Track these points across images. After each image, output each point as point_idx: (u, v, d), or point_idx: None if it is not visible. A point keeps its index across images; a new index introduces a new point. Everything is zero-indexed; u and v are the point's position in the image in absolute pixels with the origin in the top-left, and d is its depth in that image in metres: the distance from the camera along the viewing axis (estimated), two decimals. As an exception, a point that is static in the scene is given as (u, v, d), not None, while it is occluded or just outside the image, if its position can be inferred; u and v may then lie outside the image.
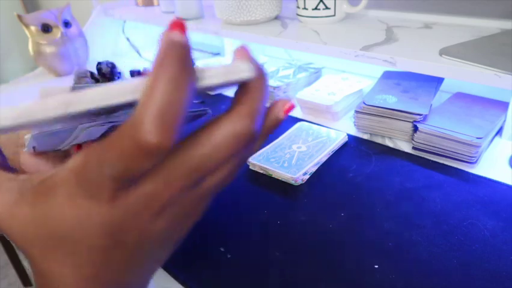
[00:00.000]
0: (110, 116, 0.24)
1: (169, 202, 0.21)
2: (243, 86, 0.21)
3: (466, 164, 0.51)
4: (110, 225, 0.21)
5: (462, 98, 0.62)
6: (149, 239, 0.22)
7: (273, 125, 0.24)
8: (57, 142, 0.29)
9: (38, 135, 0.27)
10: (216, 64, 0.21)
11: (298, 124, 0.64)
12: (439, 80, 0.64)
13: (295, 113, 0.71)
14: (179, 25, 0.18)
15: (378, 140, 0.60)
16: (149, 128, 0.17)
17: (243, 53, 0.22)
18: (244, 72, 0.20)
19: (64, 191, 0.21)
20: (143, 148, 0.17)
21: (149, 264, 0.25)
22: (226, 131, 0.20)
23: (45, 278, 0.23)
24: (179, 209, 0.22)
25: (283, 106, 0.23)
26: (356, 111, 0.61)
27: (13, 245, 1.04)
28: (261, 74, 0.21)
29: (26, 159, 0.29)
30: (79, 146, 0.30)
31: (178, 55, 0.17)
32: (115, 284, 0.23)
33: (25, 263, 1.20)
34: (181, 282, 0.39)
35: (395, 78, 0.67)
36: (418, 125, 0.54)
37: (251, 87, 0.21)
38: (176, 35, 0.18)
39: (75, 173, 0.20)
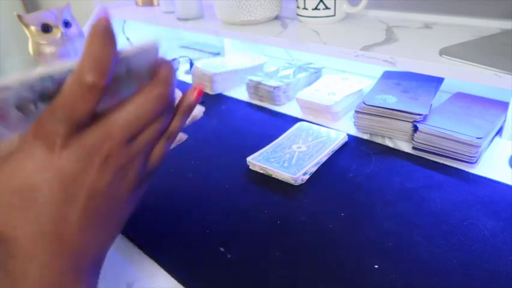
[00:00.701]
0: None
1: (110, 153, 0.26)
2: (156, 70, 0.28)
3: (466, 164, 0.51)
4: (63, 175, 0.25)
5: (462, 98, 0.62)
6: (98, 192, 0.27)
7: (188, 107, 0.31)
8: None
9: None
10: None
11: (298, 124, 0.64)
12: (439, 80, 0.64)
13: (295, 113, 0.71)
14: (104, 13, 0.25)
15: (378, 140, 0.60)
16: (88, 70, 0.23)
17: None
18: (151, 46, 0.27)
19: (25, 150, 0.25)
20: (84, 86, 0.23)
21: (103, 226, 0.28)
22: (147, 95, 0.27)
23: (9, 243, 0.25)
24: (118, 162, 0.27)
25: (193, 92, 0.31)
26: (356, 111, 0.61)
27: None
28: (166, 62, 0.29)
29: None
30: None
31: (104, 25, 0.25)
32: (73, 241, 0.26)
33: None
34: (181, 282, 0.39)
35: (395, 78, 0.67)
36: (418, 125, 0.54)
37: (163, 65, 0.28)
38: (102, 15, 0.25)
39: (32, 132, 0.25)
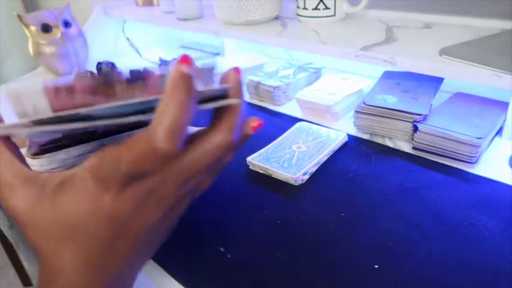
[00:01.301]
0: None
1: (164, 196, 0.26)
2: (225, 111, 0.27)
3: (466, 164, 0.51)
4: (116, 216, 0.25)
5: (462, 98, 0.62)
6: (146, 230, 0.27)
7: (243, 139, 0.30)
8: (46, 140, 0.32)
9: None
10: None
11: (298, 124, 0.64)
12: (439, 80, 0.64)
13: (295, 113, 0.71)
14: (187, 59, 0.24)
15: (378, 140, 0.60)
16: (162, 138, 0.22)
17: (233, 77, 0.28)
18: (233, 100, 0.26)
19: (80, 187, 0.25)
20: (157, 152, 0.23)
21: (142, 255, 0.30)
22: (211, 142, 0.26)
23: (54, 268, 0.26)
24: (171, 202, 0.27)
25: (253, 123, 0.30)
26: (356, 111, 0.61)
27: (10, 240, 1.04)
28: (240, 95, 0.27)
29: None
30: None
31: (185, 84, 0.23)
32: (113, 271, 0.27)
33: (25, 263, 1.19)
34: (181, 282, 0.39)
35: (395, 78, 0.67)
36: (418, 125, 0.54)
37: (232, 107, 0.27)
38: (184, 68, 0.23)
39: (91, 171, 0.25)
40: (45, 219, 0.26)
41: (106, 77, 0.28)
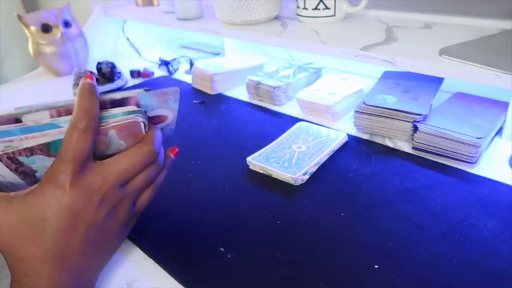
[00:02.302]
0: None
1: (106, 193, 0.34)
2: (146, 132, 0.38)
3: (466, 164, 0.51)
4: (69, 209, 0.32)
5: (462, 98, 0.62)
6: (95, 224, 0.34)
7: (168, 161, 0.42)
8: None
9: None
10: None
11: (298, 124, 0.64)
12: (439, 80, 0.64)
13: (295, 113, 0.71)
14: (90, 76, 0.35)
15: (378, 140, 0.60)
16: (80, 118, 0.32)
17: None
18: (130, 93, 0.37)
19: (41, 189, 0.32)
20: (80, 129, 0.32)
21: (97, 252, 0.36)
22: (139, 150, 0.36)
23: (22, 263, 0.32)
24: (112, 202, 0.35)
25: (171, 150, 0.42)
26: (356, 111, 0.61)
27: None
28: (154, 126, 0.39)
29: None
30: None
31: (88, 87, 0.34)
32: (74, 262, 0.33)
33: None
34: (181, 282, 0.39)
35: (395, 78, 0.67)
36: (418, 125, 0.54)
37: (149, 130, 0.38)
38: (87, 78, 0.35)
39: (46, 175, 0.33)
40: (14, 221, 0.32)
41: None
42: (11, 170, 0.34)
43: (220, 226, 0.45)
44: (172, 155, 0.42)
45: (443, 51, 0.54)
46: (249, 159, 0.55)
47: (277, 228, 0.44)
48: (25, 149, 0.33)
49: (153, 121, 0.40)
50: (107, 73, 0.88)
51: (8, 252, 0.32)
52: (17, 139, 0.33)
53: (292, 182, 0.50)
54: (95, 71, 0.89)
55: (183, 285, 0.39)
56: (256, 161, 0.54)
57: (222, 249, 0.42)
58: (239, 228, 0.44)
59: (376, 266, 0.38)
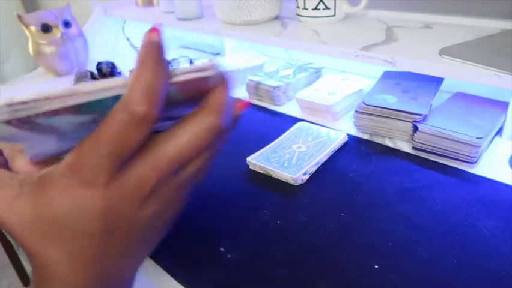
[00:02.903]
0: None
1: (155, 186, 0.25)
2: (211, 90, 0.25)
3: (466, 164, 0.51)
4: (104, 210, 0.24)
5: (462, 98, 0.62)
6: (140, 224, 0.26)
7: (234, 122, 0.28)
8: (54, 151, 0.29)
9: (30, 145, 0.27)
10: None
11: (298, 124, 0.64)
12: (439, 80, 0.64)
13: (295, 113, 0.71)
14: (156, 29, 0.23)
15: (378, 140, 0.60)
16: (138, 101, 0.21)
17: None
18: (208, 71, 0.24)
19: (62, 182, 0.24)
20: (135, 117, 0.21)
21: (139, 251, 0.28)
22: (199, 125, 0.24)
23: (44, 268, 0.25)
24: (163, 194, 0.26)
25: (238, 104, 0.28)
26: (356, 111, 0.61)
27: (11, 240, 1.04)
28: (223, 78, 0.25)
29: (22, 166, 0.29)
30: None
31: (156, 51, 0.22)
32: (109, 269, 0.26)
33: (25, 263, 1.20)
34: (181, 282, 0.39)
35: (395, 78, 0.67)
36: (418, 125, 0.54)
37: (217, 89, 0.25)
38: (154, 36, 0.23)
39: (70, 165, 0.23)
40: (28, 216, 0.24)
41: None
42: (23, 130, 0.24)
43: (220, 226, 0.45)
44: (238, 113, 0.28)
45: (443, 51, 0.54)
46: (249, 159, 0.55)
47: (277, 228, 0.44)
48: (46, 112, 0.23)
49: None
50: (107, 73, 0.88)
51: (29, 252, 0.25)
52: (33, 100, 0.22)
53: (292, 182, 0.50)
54: (95, 71, 0.89)
55: (183, 285, 0.39)
56: (256, 161, 0.54)
57: (222, 249, 0.42)
58: (239, 228, 0.44)
59: (376, 266, 0.38)
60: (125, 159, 0.23)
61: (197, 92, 0.25)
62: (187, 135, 0.24)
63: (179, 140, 0.24)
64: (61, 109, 0.23)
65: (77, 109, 0.23)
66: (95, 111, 0.23)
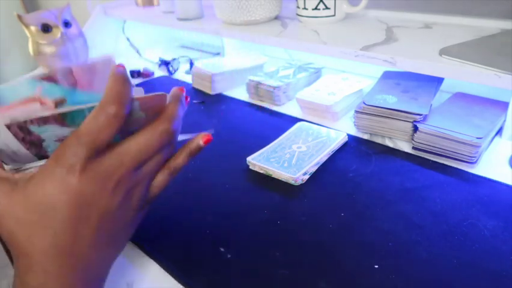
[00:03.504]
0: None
1: (121, 178, 0.30)
2: (165, 107, 0.33)
3: (466, 164, 0.51)
4: (80, 196, 0.29)
5: (462, 98, 0.62)
6: (108, 215, 0.31)
7: (196, 148, 0.36)
8: (24, 161, 0.34)
9: (14, 154, 0.32)
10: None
11: (298, 124, 0.64)
12: (439, 80, 0.64)
13: (295, 113, 0.71)
14: (121, 66, 0.31)
15: (378, 140, 0.60)
16: (111, 103, 0.29)
17: (175, 91, 0.35)
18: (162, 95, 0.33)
19: (47, 173, 0.29)
20: (109, 115, 0.28)
21: (109, 245, 0.32)
22: (154, 130, 0.32)
23: (29, 257, 0.29)
24: (127, 187, 0.31)
25: (204, 137, 0.36)
26: (356, 111, 0.61)
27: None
28: (176, 97, 0.34)
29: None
30: None
31: (123, 72, 0.30)
32: (84, 257, 0.30)
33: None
34: (181, 282, 0.39)
35: (395, 78, 0.67)
36: (418, 125, 0.54)
37: (171, 103, 0.34)
38: (120, 68, 0.31)
39: (54, 157, 0.29)
40: (18, 207, 0.29)
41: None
42: (17, 139, 0.31)
43: (220, 226, 0.45)
44: (201, 143, 0.36)
45: (443, 51, 0.54)
46: (249, 159, 0.55)
47: (277, 228, 0.44)
48: (39, 119, 0.30)
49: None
50: (107, 73, 0.88)
51: (13, 244, 0.29)
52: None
53: (292, 182, 0.50)
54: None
55: (183, 285, 0.39)
56: (256, 161, 0.54)
57: (222, 249, 0.42)
58: (239, 228, 0.44)
59: (376, 266, 0.38)
60: (100, 148, 0.29)
61: (156, 110, 0.33)
62: (145, 137, 0.31)
63: (139, 141, 0.31)
64: (51, 116, 0.30)
65: (63, 118, 0.30)
66: (75, 124, 0.30)
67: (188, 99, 0.37)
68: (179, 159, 0.36)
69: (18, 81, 0.31)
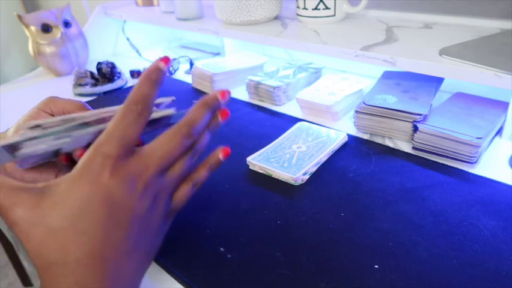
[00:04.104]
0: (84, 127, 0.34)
1: (149, 181, 0.31)
2: (187, 112, 0.36)
3: (466, 164, 0.51)
4: (112, 198, 0.29)
5: (462, 98, 0.62)
6: (137, 218, 0.30)
7: (216, 162, 0.40)
8: (39, 159, 0.35)
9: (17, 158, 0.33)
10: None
11: (298, 124, 0.64)
12: (439, 80, 0.64)
13: (295, 113, 0.71)
14: (166, 60, 0.34)
15: (378, 140, 0.60)
16: (137, 102, 0.31)
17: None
18: (169, 112, 0.38)
19: (77, 178, 0.29)
20: (135, 113, 0.31)
21: (139, 250, 0.31)
22: (177, 133, 0.33)
23: (59, 263, 0.27)
24: (154, 191, 0.32)
25: (222, 151, 0.40)
26: (356, 111, 0.61)
27: (10, 240, 1.03)
28: (204, 102, 0.36)
29: (15, 172, 0.35)
30: (67, 155, 0.37)
31: (157, 77, 0.33)
32: (117, 265, 0.29)
33: (25, 263, 1.20)
34: (181, 282, 0.39)
35: (395, 78, 0.67)
36: (418, 125, 0.54)
37: (190, 111, 0.35)
38: (162, 64, 0.33)
39: (84, 161, 0.29)
40: (49, 215, 0.27)
41: None
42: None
43: (220, 226, 0.45)
44: (220, 156, 0.39)
45: (443, 51, 0.54)
46: (249, 159, 0.55)
47: (277, 228, 0.44)
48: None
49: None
50: (107, 73, 0.88)
51: (42, 255, 0.27)
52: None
53: (292, 182, 0.50)
54: (95, 71, 0.90)
55: (183, 285, 0.39)
56: (256, 161, 0.54)
57: (222, 249, 0.42)
58: (239, 228, 0.44)
59: (376, 266, 0.38)
60: (128, 146, 0.30)
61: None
62: (168, 140, 0.33)
63: (162, 144, 0.33)
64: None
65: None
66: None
67: (228, 113, 0.39)
68: (201, 173, 0.38)
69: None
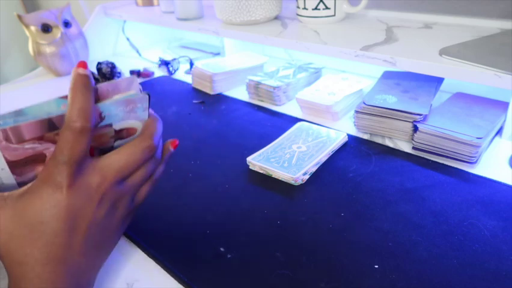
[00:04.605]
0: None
1: (105, 191, 0.33)
2: (145, 124, 0.36)
3: (466, 164, 0.51)
4: (68, 209, 0.31)
5: (462, 98, 0.62)
6: (96, 225, 0.33)
7: (169, 155, 0.40)
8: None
9: None
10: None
11: (298, 124, 0.64)
12: (439, 80, 0.64)
13: (295, 113, 0.71)
14: (83, 64, 0.32)
15: (378, 140, 0.60)
16: (75, 120, 0.30)
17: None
18: (132, 91, 0.36)
19: (37, 192, 0.31)
20: (76, 132, 0.30)
21: (97, 252, 0.35)
22: (138, 146, 0.35)
23: (23, 265, 0.30)
24: (112, 199, 0.34)
25: (171, 143, 0.40)
26: (356, 111, 0.61)
27: None
28: (154, 117, 0.37)
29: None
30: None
31: (84, 80, 0.31)
32: (75, 264, 0.32)
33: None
34: (181, 282, 0.39)
35: (395, 78, 0.67)
36: (418, 125, 0.54)
37: (149, 123, 0.36)
38: (81, 70, 0.31)
39: (41, 177, 0.31)
40: (9, 222, 0.30)
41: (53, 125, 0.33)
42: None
43: (220, 226, 0.45)
44: (171, 148, 0.40)
45: (443, 51, 0.54)
46: (249, 159, 0.55)
47: (277, 228, 0.44)
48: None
49: (120, 135, 0.36)
50: (107, 73, 0.88)
51: (6, 255, 0.31)
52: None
53: (292, 182, 0.50)
54: (95, 71, 0.90)
55: (183, 285, 0.39)
56: (256, 161, 0.54)
57: (222, 249, 0.42)
58: (239, 228, 0.44)
59: (376, 266, 0.38)
60: (79, 163, 0.31)
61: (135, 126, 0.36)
62: (128, 153, 0.34)
63: (121, 157, 0.34)
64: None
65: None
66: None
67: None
68: (159, 169, 0.39)
69: (46, 101, 0.32)
